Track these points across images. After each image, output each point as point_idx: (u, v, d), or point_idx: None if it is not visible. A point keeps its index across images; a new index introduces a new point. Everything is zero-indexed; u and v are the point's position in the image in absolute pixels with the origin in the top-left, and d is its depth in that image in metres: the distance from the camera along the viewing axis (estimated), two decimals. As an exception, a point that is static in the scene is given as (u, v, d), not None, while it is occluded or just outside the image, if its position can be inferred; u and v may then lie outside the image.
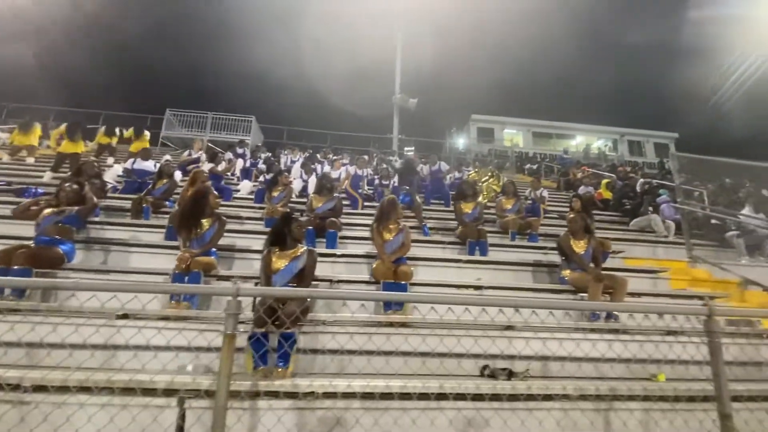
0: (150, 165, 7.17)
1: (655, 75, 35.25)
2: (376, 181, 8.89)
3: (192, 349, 2.20)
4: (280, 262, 3.29)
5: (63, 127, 8.57)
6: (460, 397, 2.02)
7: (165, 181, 6.21)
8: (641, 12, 32.29)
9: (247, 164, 9.61)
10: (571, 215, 4.76)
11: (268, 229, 4.10)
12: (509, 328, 3.00)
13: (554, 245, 4.83)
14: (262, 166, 8.98)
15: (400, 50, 17.15)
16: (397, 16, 17.17)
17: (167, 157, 9.20)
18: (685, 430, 2.18)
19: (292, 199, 6.70)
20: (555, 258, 4.90)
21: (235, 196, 7.55)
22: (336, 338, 2.61)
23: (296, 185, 7.94)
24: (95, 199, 4.60)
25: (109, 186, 6.67)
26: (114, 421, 1.71)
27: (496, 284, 4.46)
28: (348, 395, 2.04)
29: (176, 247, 4.09)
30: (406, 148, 17.45)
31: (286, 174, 6.81)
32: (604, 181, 10.25)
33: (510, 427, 2.02)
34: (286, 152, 11.38)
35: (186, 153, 9.75)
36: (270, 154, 11.04)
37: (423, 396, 1.99)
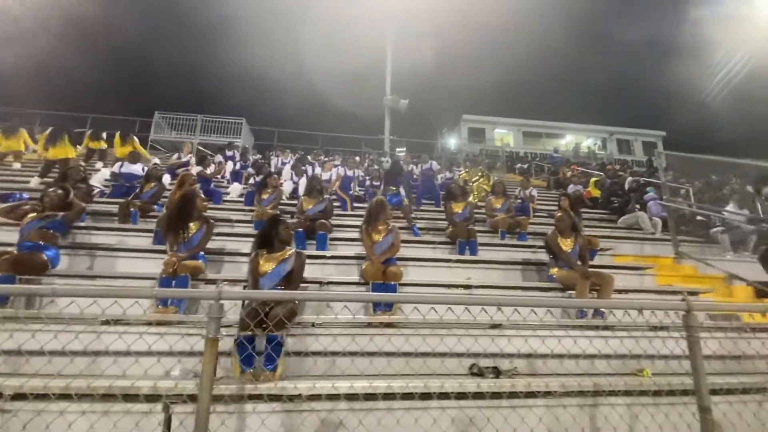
0: (138, 168, 7.09)
1: (644, 74, 35.78)
2: (367, 182, 8.91)
3: (175, 354, 2.19)
4: (267, 265, 3.28)
5: (49, 131, 8.44)
6: (444, 396, 2.04)
7: (153, 184, 6.14)
8: (630, 12, 32.75)
9: (237, 167, 9.55)
10: (559, 214, 4.81)
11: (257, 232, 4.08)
12: (496, 326, 3.03)
13: (543, 244, 4.88)
14: (250, 170, 8.92)
15: (391, 51, 17.18)
16: (388, 17, 17.20)
17: (155, 160, 9.11)
18: (666, 424, 2.22)
19: (282, 201, 6.68)
20: (544, 256, 4.94)
21: (225, 199, 7.50)
22: (320, 340, 2.60)
23: (287, 187, 7.91)
24: (82, 204, 4.55)
25: (96, 190, 6.59)
26: (94, 427, 1.69)
27: (486, 283, 4.49)
28: (333, 397, 2.04)
29: (164, 252, 4.05)
30: (397, 149, 17.47)
31: (276, 176, 6.77)
32: (593, 179, 10.36)
33: (494, 425, 2.03)
34: (276, 154, 11.36)
35: (175, 156, 9.67)
36: (260, 157, 10.99)
37: (407, 396, 2.00)
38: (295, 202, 6.61)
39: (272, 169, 8.97)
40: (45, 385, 1.72)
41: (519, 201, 7.97)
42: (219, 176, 9.12)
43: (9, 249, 3.73)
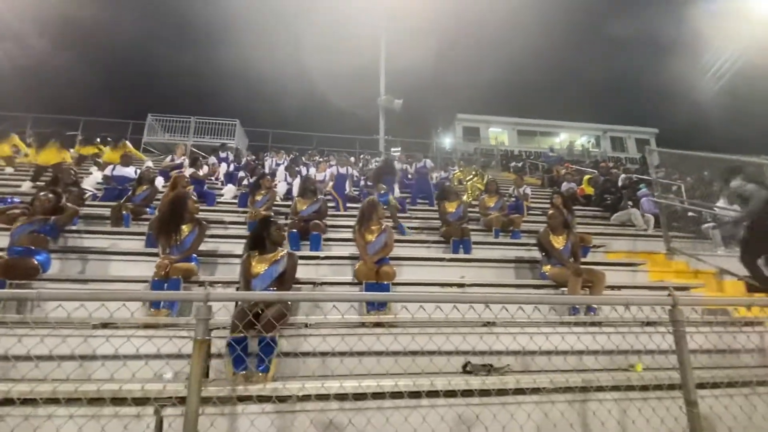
0: (130, 171, 7.05)
1: (637, 72, 36.03)
2: (362, 183, 8.91)
3: (166, 357, 2.18)
4: (259, 267, 3.27)
5: (35, 137, 8.44)
6: (436, 394, 2.05)
7: (145, 187, 6.12)
8: (622, 10, 32.96)
9: (231, 168, 9.52)
10: (551, 211, 4.84)
11: (251, 234, 4.08)
12: (488, 324, 3.05)
13: (535, 242, 4.90)
14: (242, 173, 8.89)
15: (385, 51, 17.21)
16: (381, 17, 17.22)
17: (149, 163, 9.06)
18: (654, 418, 2.25)
19: (276, 203, 6.68)
20: (537, 254, 4.97)
21: (219, 200, 7.48)
22: (309, 340, 2.61)
23: (281, 188, 7.89)
24: (75, 207, 4.53)
25: (89, 193, 6.55)
26: (83, 431, 1.69)
27: (480, 282, 4.51)
28: (323, 397, 2.05)
29: (157, 254, 4.03)
30: (392, 149, 17.51)
31: (269, 177, 6.75)
32: (586, 177, 10.42)
33: (482, 422, 2.05)
34: (271, 155, 11.33)
35: (168, 158, 9.62)
36: (254, 158, 10.96)
37: (396, 395, 2.01)
38: (289, 203, 6.60)
39: (266, 171, 8.95)
40: (31, 390, 1.71)
41: (513, 199, 8.00)
42: (213, 178, 9.10)
43: (-1, 254, 3.70)
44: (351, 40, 19.34)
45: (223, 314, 2.67)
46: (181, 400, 1.96)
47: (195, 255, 4.05)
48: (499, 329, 2.70)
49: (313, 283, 4.10)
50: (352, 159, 12.22)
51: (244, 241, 4.61)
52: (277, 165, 9.97)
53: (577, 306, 3.94)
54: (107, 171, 7.17)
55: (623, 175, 10.29)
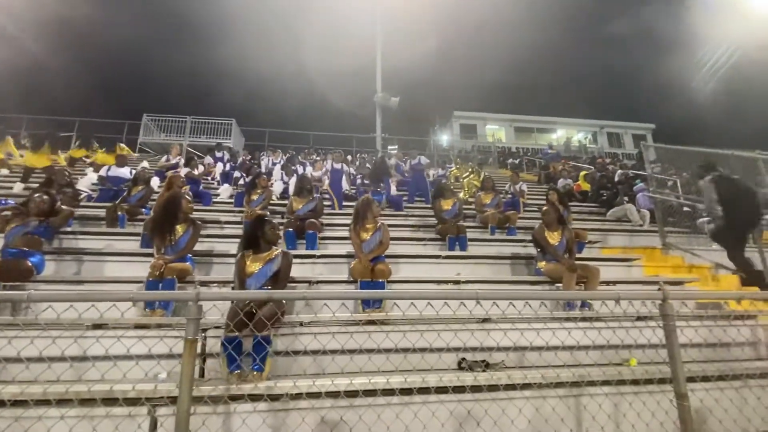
0: (125, 172, 7.04)
1: (633, 68, 36.08)
2: (359, 181, 8.91)
3: (161, 356, 2.19)
4: (254, 266, 3.27)
5: (29, 140, 8.44)
6: (425, 390, 2.06)
7: (141, 187, 6.10)
8: (619, 7, 32.95)
9: (227, 168, 9.50)
10: (545, 207, 4.85)
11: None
12: (484, 320, 3.06)
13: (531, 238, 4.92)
14: (237, 173, 8.87)
15: (381, 49, 17.16)
16: (377, 14, 17.17)
17: (144, 163, 9.03)
18: (645, 412, 2.26)
19: (272, 202, 6.67)
20: (533, 250, 4.98)
21: (215, 200, 7.47)
22: (300, 339, 2.61)
23: (277, 187, 7.89)
24: (70, 209, 4.52)
25: (84, 195, 6.53)
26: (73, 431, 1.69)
27: (476, 278, 4.52)
28: (314, 395, 2.05)
29: (152, 255, 4.02)
30: (389, 147, 17.49)
31: (265, 177, 6.74)
32: (583, 173, 10.45)
33: (474, 417, 2.06)
34: (267, 154, 11.31)
35: (164, 158, 9.60)
36: (250, 158, 10.93)
37: (388, 392, 2.02)
38: (285, 202, 6.59)
39: (263, 170, 8.94)
40: (22, 391, 1.71)
41: (509, 196, 8.01)
42: (210, 178, 9.08)
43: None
44: (347, 38, 19.30)
45: (218, 314, 2.66)
46: (174, 400, 1.96)
47: (190, 255, 4.05)
48: (491, 325, 2.70)
49: (309, 282, 4.10)
50: (349, 157, 12.20)
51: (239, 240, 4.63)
52: (274, 164, 9.96)
53: (572, 302, 3.96)
54: (102, 172, 7.16)
55: (620, 171, 10.33)
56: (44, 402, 1.78)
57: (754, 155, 5.34)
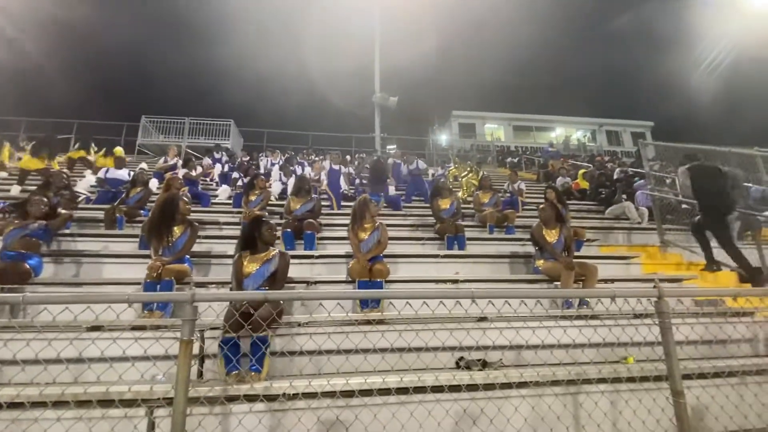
0: (124, 174, 7.04)
1: (631, 66, 36.08)
2: (357, 181, 8.91)
3: (157, 358, 2.19)
4: (251, 266, 3.28)
5: (31, 146, 8.44)
6: (420, 390, 2.06)
7: (139, 189, 6.10)
8: (617, 5, 32.95)
9: (226, 169, 9.51)
10: (542, 205, 4.85)
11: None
12: (482, 319, 3.06)
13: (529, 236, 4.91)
14: (235, 174, 8.87)
15: (379, 48, 17.16)
16: (375, 14, 17.17)
17: (143, 165, 9.04)
18: (641, 409, 2.27)
19: (271, 202, 6.66)
20: (532, 249, 4.98)
21: (213, 201, 7.46)
22: (296, 339, 2.61)
23: (275, 188, 7.89)
24: (68, 211, 4.52)
25: (82, 197, 6.53)
26: (70, 433, 1.69)
27: (473, 277, 4.52)
28: (310, 395, 2.05)
29: (149, 257, 4.03)
30: (388, 147, 17.49)
31: (263, 177, 6.75)
32: (581, 171, 10.45)
33: (470, 416, 2.06)
34: (266, 155, 11.31)
35: (162, 160, 9.60)
36: (249, 159, 10.93)
37: (384, 391, 2.02)
38: (284, 202, 6.59)
39: (261, 171, 8.94)
40: (18, 393, 1.71)
41: (508, 195, 8.02)
42: (208, 179, 9.08)
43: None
44: (346, 38, 19.32)
45: (215, 315, 2.66)
46: (171, 401, 1.96)
47: (188, 256, 4.05)
48: (486, 324, 2.71)
49: (307, 282, 4.10)
50: (348, 157, 12.19)
51: (238, 241, 4.63)
52: (272, 165, 9.96)
53: (570, 300, 3.96)
54: (100, 173, 7.15)
55: (618, 169, 10.34)
56: (41, 404, 1.79)
57: (753, 152, 5.33)
